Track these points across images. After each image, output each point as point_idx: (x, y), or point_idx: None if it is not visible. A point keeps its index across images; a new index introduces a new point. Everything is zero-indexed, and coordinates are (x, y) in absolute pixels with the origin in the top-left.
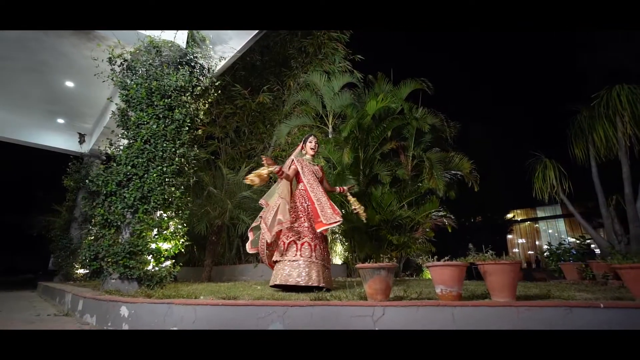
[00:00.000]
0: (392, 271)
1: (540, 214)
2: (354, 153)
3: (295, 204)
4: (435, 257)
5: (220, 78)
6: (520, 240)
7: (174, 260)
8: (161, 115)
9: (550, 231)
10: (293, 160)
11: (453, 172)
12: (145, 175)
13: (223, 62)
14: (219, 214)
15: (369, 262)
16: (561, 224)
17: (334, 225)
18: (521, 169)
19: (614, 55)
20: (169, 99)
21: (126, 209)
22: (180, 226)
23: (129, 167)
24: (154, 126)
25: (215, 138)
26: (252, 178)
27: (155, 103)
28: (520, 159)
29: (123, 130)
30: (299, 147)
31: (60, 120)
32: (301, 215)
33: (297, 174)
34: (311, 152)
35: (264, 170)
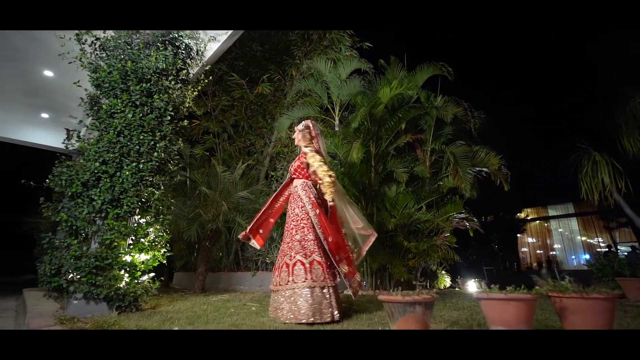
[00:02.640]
0: (430, 306)
1: (551, 212)
2: (364, 147)
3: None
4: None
5: (215, 66)
6: (529, 240)
7: (153, 274)
8: (138, 103)
9: (560, 230)
10: None
11: (477, 168)
12: (118, 173)
13: (216, 46)
14: (212, 217)
15: (396, 292)
16: (574, 223)
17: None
18: (531, 165)
19: None
20: (148, 84)
21: (94, 214)
22: (161, 233)
23: (97, 164)
24: (130, 115)
25: (210, 133)
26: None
27: (131, 88)
28: (530, 154)
29: (94, 121)
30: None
31: (45, 115)
32: (292, 225)
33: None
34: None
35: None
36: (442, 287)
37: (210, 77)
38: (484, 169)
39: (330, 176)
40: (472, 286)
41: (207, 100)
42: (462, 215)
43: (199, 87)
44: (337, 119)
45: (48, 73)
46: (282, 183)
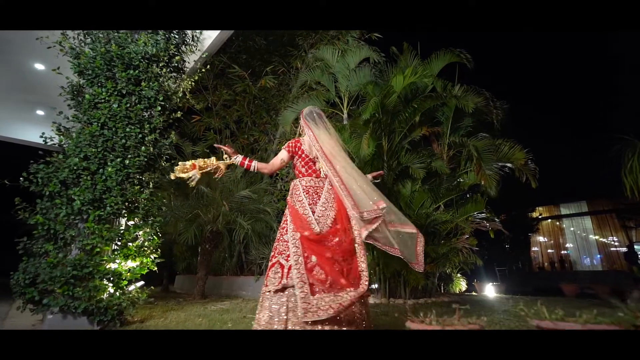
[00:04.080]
0: None
1: (564, 211)
2: (375, 141)
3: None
4: None
5: (216, 58)
6: (540, 239)
7: (142, 283)
8: (124, 92)
9: (572, 228)
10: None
11: (500, 163)
12: (101, 170)
13: (215, 34)
14: (212, 218)
15: (429, 317)
16: (588, 221)
17: None
18: (544, 161)
19: None
20: (136, 71)
21: (73, 216)
22: (151, 237)
23: (77, 160)
24: (115, 105)
25: (210, 129)
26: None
27: (117, 75)
28: (543, 150)
29: (76, 112)
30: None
31: (40, 112)
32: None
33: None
34: None
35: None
36: (457, 291)
37: (208, 66)
38: (508, 165)
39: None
40: (490, 290)
41: (208, 95)
42: (483, 215)
43: (196, 77)
44: (345, 112)
45: (39, 66)
46: (287, 181)
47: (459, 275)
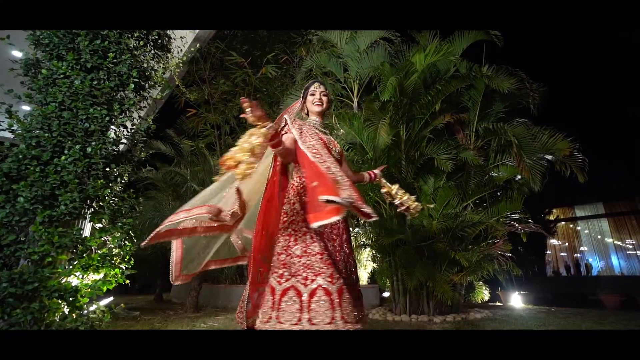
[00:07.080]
0: None
1: (579, 213)
2: (393, 129)
3: (293, 204)
4: None
5: (212, 44)
6: (554, 242)
7: (111, 300)
8: (89, 66)
9: (587, 231)
10: (287, 121)
11: (539, 155)
12: (56, 159)
13: None
14: None
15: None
16: (604, 224)
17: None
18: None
19: None
20: (105, 42)
21: (17, 217)
22: (122, 243)
23: (24, 146)
24: (77, 82)
25: (208, 124)
26: (239, 156)
27: (80, 46)
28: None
29: (30, 90)
30: (297, 105)
31: (26, 108)
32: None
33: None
34: (317, 108)
35: (256, 136)
36: (480, 300)
37: (198, 45)
38: (546, 157)
39: (409, 197)
40: (516, 300)
41: (205, 87)
42: (516, 216)
43: (184, 58)
44: (355, 101)
45: (16, 53)
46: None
47: (480, 283)
